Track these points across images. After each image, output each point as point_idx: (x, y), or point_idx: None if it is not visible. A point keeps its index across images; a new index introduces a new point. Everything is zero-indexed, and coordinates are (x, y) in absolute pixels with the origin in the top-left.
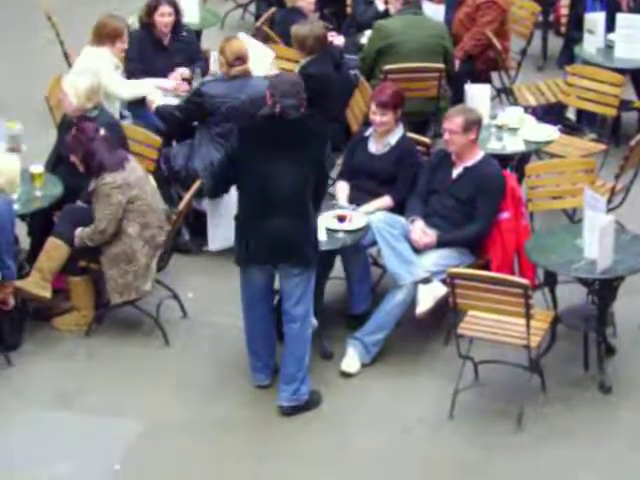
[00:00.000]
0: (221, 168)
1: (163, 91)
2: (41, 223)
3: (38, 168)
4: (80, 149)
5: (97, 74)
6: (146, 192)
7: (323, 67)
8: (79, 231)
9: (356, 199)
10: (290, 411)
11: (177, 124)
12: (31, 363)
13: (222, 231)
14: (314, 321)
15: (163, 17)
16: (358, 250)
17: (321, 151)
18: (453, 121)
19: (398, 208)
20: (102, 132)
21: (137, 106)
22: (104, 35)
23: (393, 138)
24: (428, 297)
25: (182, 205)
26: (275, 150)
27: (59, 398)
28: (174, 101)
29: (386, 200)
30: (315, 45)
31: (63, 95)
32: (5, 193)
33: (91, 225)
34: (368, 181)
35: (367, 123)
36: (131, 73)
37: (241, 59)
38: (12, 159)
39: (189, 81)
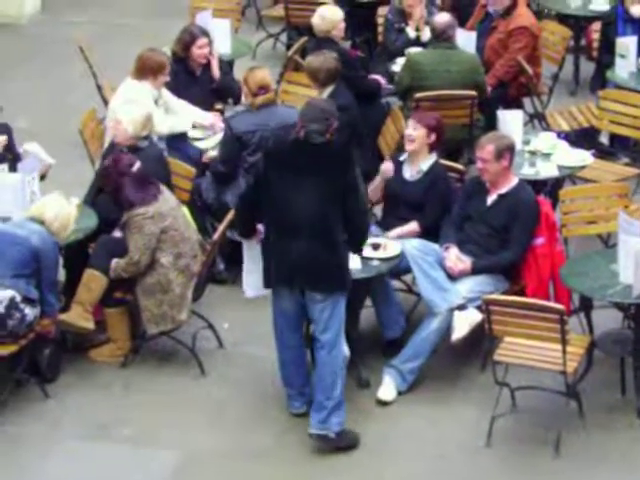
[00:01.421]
0: (248, 190)
1: (200, 127)
2: (76, 255)
3: (74, 201)
4: (110, 181)
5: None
6: (179, 222)
7: (347, 97)
8: (114, 263)
9: (385, 224)
10: (318, 440)
11: (226, 175)
12: (68, 395)
13: (257, 278)
14: (346, 350)
15: (202, 49)
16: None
17: (347, 176)
18: (485, 149)
19: (431, 234)
20: (137, 167)
21: (172, 137)
22: (147, 69)
23: (425, 164)
24: (463, 324)
25: (216, 235)
26: (298, 174)
27: (96, 429)
28: (212, 138)
29: (413, 226)
30: (328, 78)
31: (116, 123)
32: (56, 236)
33: (125, 256)
34: (400, 207)
35: (400, 150)
36: None
37: (264, 88)
38: (69, 205)
39: (222, 112)
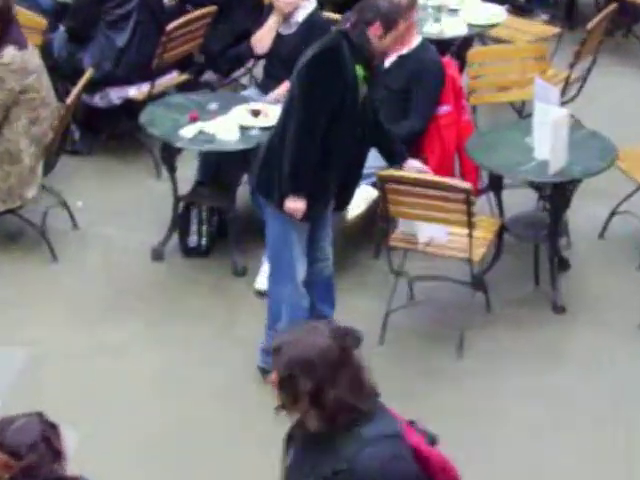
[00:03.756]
0: None
1: None
2: None
3: None
4: None
5: None
6: (42, 83)
7: None
8: None
9: (264, 86)
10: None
11: (80, 31)
12: None
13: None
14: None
15: None
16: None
17: (298, 76)
18: None
19: None
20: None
21: None
22: None
23: (300, 15)
24: (359, 200)
25: (70, 99)
26: None
27: None
28: None
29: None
30: None
31: None
32: None
33: None
34: (277, 66)
35: None
36: None
37: None
38: None
39: None
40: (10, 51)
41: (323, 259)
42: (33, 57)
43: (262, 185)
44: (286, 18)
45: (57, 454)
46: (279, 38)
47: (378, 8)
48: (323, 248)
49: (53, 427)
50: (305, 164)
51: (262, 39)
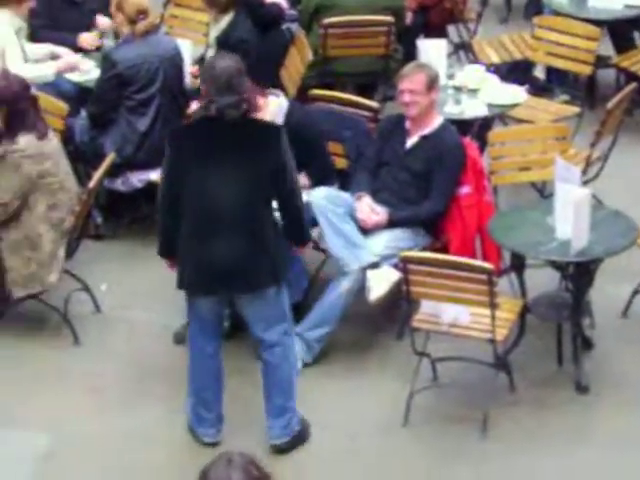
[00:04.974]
0: (162, 188)
1: (64, 72)
2: None
3: None
4: (4, 104)
5: None
6: (59, 168)
7: (247, 28)
8: None
9: None
10: (287, 447)
11: (101, 116)
12: None
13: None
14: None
15: None
16: None
17: (276, 155)
18: (415, 79)
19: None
20: (33, 89)
21: None
22: None
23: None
24: (382, 281)
25: (92, 183)
26: (214, 159)
27: None
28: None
29: (302, 179)
30: (229, 1)
31: None
32: None
33: None
34: None
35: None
36: (36, 30)
37: (144, 12)
38: None
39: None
40: (26, 138)
41: None
42: (49, 142)
43: (264, 276)
44: None
45: None
46: None
47: (237, 80)
48: None
49: None
50: None
51: None
